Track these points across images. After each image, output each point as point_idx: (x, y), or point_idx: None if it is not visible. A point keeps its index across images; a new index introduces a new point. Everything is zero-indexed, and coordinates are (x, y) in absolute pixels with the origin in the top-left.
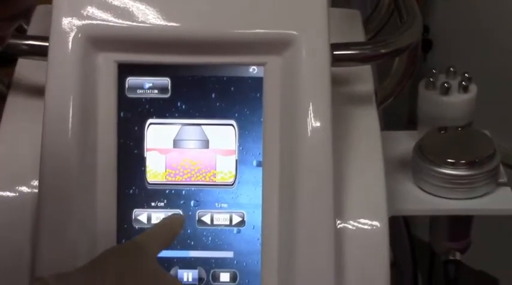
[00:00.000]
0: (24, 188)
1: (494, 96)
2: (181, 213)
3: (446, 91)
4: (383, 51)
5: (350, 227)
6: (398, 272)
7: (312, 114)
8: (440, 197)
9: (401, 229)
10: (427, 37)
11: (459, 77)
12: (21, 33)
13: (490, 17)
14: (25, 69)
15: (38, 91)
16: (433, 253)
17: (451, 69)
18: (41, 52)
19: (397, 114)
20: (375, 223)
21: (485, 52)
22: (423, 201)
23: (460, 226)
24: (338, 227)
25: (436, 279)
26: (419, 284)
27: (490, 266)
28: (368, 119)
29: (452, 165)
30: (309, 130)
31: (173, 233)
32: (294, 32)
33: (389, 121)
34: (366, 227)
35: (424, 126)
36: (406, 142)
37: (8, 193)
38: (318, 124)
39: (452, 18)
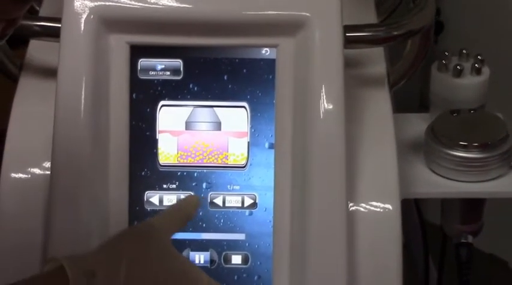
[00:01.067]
0: (37, 170)
1: (507, 79)
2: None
3: (458, 73)
4: (396, 33)
5: (362, 209)
6: (410, 255)
7: (324, 96)
8: (452, 180)
9: (413, 212)
10: (439, 19)
11: (472, 59)
12: (33, 15)
13: None
14: (37, 50)
15: (49, 72)
16: (445, 236)
17: (464, 51)
18: (53, 34)
19: (408, 96)
20: (387, 205)
21: (498, 35)
22: (435, 184)
23: (472, 208)
24: (350, 209)
25: (448, 262)
26: (431, 267)
27: (500, 249)
28: (380, 101)
29: (465, 148)
30: (321, 112)
31: (188, 214)
32: (307, 14)
33: (401, 104)
34: (378, 209)
35: (436, 108)
36: (418, 124)
37: (20, 175)
38: (331, 106)
39: (463, 0)
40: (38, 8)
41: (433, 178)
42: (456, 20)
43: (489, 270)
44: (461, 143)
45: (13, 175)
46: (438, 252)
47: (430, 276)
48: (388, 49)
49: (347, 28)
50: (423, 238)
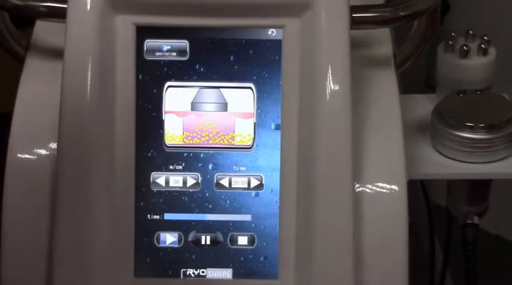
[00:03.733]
0: (43, 151)
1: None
2: (199, 176)
3: (465, 54)
4: (402, 13)
5: (368, 190)
6: (416, 236)
7: (331, 77)
8: (459, 161)
9: (419, 194)
10: (445, 0)
11: (478, 40)
12: None
13: None
14: (43, 31)
15: (56, 53)
16: (451, 218)
17: (470, 31)
18: (59, 14)
19: (414, 77)
20: (394, 186)
21: (504, 15)
22: (442, 165)
23: (478, 189)
24: (356, 190)
25: (454, 243)
26: (437, 248)
27: (506, 230)
28: (387, 82)
29: (471, 129)
30: (327, 93)
31: None
32: None
33: (407, 85)
34: (384, 190)
35: (442, 89)
36: (424, 105)
37: (26, 156)
38: (337, 87)
39: None
40: None
41: (440, 159)
42: (462, 0)
43: (495, 251)
44: (467, 124)
45: (19, 155)
46: (444, 233)
47: (436, 258)
48: (394, 31)
49: (353, 8)
50: (429, 219)
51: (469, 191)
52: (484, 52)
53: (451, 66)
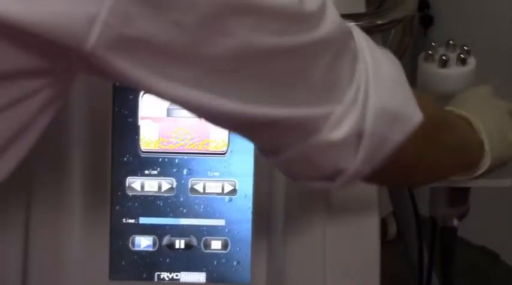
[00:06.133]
0: None
1: (494, 71)
2: (174, 181)
3: (444, 63)
4: (379, 22)
5: (342, 195)
6: (404, 246)
7: None
8: None
9: (407, 203)
10: (428, 13)
11: (458, 50)
12: None
13: None
14: None
15: None
16: (435, 226)
17: (451, 42)
18: None
19: None
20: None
21: (487, 28)
22: None
23: (458, 192)
24: (330, 197)
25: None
26: (425, 257)
27: (491, 241)
28: None
29: None
30: None
31: None
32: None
33: None
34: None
35: None
36: None
37: None
38: None
39: None
40: None
41: None
42: (445, 14)
43: (480, 263)
44: None
45: None
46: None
47: (424, 266)
48: (382, 40)
49: None
50: (417, 229)
51: (449, 193)
52: (463, 61)
53: (430, 75)
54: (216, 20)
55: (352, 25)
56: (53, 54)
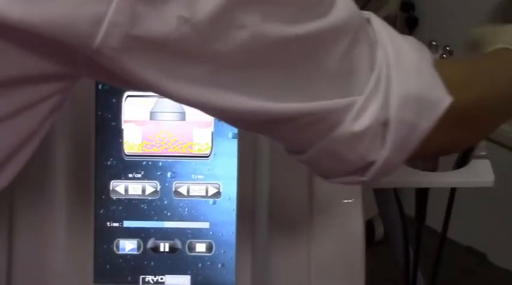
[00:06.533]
0: None
1: None
2: (158, 184)
3: None
4: None
5: (324, 197)
6: (391, 246)
7: None
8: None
9: (393, 205)
10: (413, 14)
11: (441, 51)
12: None
13: None
14: None
15: None
16: (421, 226)
17: (434, 43)
18: None
19: None
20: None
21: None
22: (403, 173)
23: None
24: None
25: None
26: (411, 257)
27: (478, 241)
28: None
29: None
30: None
31: None
32: None
33: None
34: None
35: None
36: None
37: None
38: None
39: None
40: None
41: (404, 168)
42: (430, 15)
43: (468, 263)
44: None
45: None
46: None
47: (410, 266)
48: None
49: None
50: (403, 231)
51: None
52: None
53: None
54: (226, 13)
55: (370, 13)
56: (61, 57)
